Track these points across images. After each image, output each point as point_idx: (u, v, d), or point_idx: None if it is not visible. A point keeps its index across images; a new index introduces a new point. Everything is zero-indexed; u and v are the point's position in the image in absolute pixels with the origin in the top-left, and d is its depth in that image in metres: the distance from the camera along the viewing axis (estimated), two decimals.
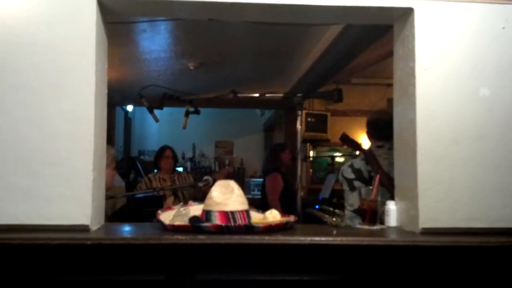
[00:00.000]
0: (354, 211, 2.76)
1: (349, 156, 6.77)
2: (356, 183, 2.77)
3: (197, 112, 3.21)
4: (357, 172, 2.78)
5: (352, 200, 2.79)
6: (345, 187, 2.82)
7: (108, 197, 2.26)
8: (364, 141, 3.03)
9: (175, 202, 3.77)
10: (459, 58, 1.89)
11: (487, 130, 1.86)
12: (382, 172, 2.64)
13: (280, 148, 4.69)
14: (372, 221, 1.98)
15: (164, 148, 4.47)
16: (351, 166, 2.84)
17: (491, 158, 1.86)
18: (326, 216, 2.80)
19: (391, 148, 2.75)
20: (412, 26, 1.90)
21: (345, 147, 6.92)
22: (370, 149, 2.83)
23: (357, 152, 3.09)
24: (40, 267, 1.63)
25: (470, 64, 1.88)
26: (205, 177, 3.08)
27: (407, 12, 1.93)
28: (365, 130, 3.02)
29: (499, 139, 1.87)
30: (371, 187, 2.02)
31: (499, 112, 1.87)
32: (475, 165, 1.85)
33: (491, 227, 1.83)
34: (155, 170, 4.53)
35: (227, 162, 9.06)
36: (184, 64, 5.27)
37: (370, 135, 2.92)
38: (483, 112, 1.87)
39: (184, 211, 1.85)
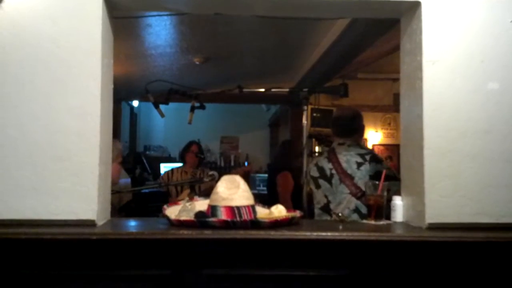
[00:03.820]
0: (321, 208, 2.79)
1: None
2: (321, 181, 2.80)
3: (202, 107, 3.20)
4: (320, 170, 2.81)
5: (319, 197, 2.81)
6: (312, 185, 2.86)
7: (114, 192, 2.27)
8: (371, 136, 3.05)
9: (191, 195, 3.82)
10: (466, 51, 1.87)
11: (495, 124, 1.85)
12: (342, 170, 2.68)
13: (290, 145, 4.66)
14: (378, 216, 1.97)
15: (190, 143, 4.64)
16: (316, 164, 2.88)
17: (499, 153, 1.84)
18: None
19: (350, 145, 2.78)
20: (420, 20, 1.89)
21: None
22: (332, 147, 2.86)
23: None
24: (46, 262, 1.63)
25: (478, 58, 1.87)
26: (211, 172, 3.09)
27: (414, 6, 1.92)
28: (370, 125, 3.04)
29: (507, 134, 1.85)
30: (377, 182, 2.01)
31: (507, 106, 1.86)
32: (482, 160, 1.84)
33: (498, 222, 1.82)
34: (181, 164, 4.68)
35: (232, 157, 9.07)
36: (189, 59, 5.28)
37: (333, 133, 2.95)
38: (491, 106, 1.86)
39: (189, 206, 1.85)
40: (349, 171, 2.69)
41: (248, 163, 8.59)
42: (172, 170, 4.57)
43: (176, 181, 4.21)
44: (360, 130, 2.92)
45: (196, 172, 4.46)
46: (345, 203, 2.67)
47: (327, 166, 2.79)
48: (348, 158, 2.72)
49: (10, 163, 1.74)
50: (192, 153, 4.53)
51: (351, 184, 2.66)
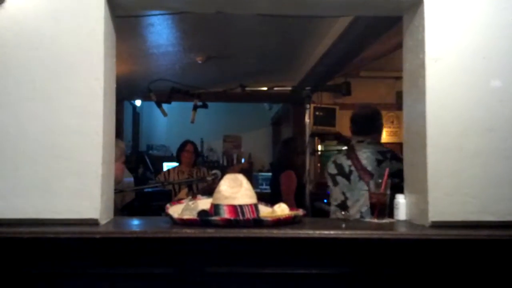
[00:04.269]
0: (338, 205, 2.79)
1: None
2: (338, 178, 2.80)
3: (205, 106, 3.20)
4: (339, 167, 2.81)
5: (336, 194, 2.81)
6: (329, 182, 2.86)
7: (117, 191, 2.27)
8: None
9: (189, 195, 3.83)
10: (469, 49, 1.86)
11: (498, 122, 1.84)
12: (361, 167, 2.67)
13: (293, 143, 4.64)
14: (381, 215, 1.97)
15: (185, 143, 4.62)
16: (334, 161, 2.88)
17: (502, 150, 1.84)
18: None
19: (370, 143, 2.78)
20: (422, 17, 1.88)
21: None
22: (351, 144, 2.85)
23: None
24: (49, 261, 1.64)
25: (481, 55, 1.86)
26: (213, 171, 3.09)
27: (417, 3, 1.91)
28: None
29: (510, 132, 1.84)
30: (380, 180, 2.01)
31: (510, 104, 1.85)
32: (485, 158, 1.83)
33: (501, 220, 1.81)
34: (177, 163, 4.67)
35: (235, 156, 9.07)
36: (192, 58, 5.27)
37: (352, 130, 2.95)
38: (494, 103, 1.85)
39: (192, 205, 1.86)
40: (369, 168, 2.68)
41: (245, 160, 8.59)
42: (169, 170, 4.58)
43: (178, 180, 4.21)
44: (379, 129, 2.91)
45: (193, 171, 4.46)
46: (363, 200, 2.66)
47: (346, 163, 2.78)
48: (368, 155, 2.72)
49: (13, 163, 1.74)
50: (187, 152, 4.53)
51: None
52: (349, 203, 2.73)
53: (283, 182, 4.36)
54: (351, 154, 2.79)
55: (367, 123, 2.86)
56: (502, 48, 1.87)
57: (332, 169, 2.86)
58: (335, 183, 2.82)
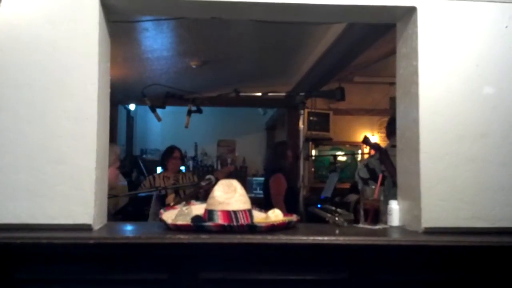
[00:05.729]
0: None
1: (351, 155, 6.79)
2: (371, 183, 2.78)
3: (199, 111, 3.20)
4: (371, 171, 2.78)
5: None
6: (360, 186, 2.82)
7: (111, 196, 2.26)
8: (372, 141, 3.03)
9: (176, 200, 3.81)
10: (462, 56, 1.88)
11: (490, 128, 1.86)
12: (395, 171, 2.65)
13: (283, 147, 4.64)
14: (375, 221, 1.97)
15: (172, 149, 4.55)
16: (367, 165, 2.84)
17: (494, 157, 1.85)
18: (329, 215, 2.80)
19: None
20: (415, 25, 1.90)
21: (347, 146, 6.94)
22: (385, 148, 2.83)
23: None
24: (42, 267, 1.63)
25: (474, 63, 1.88)
26: (208, 176, 3.08)
27: (410, 11, 1.93)
28: (367, 128, 3.05)
29: (503, 138, 1.86)
30: (373, 187, 2.02)
31: (502, 111, 1.87)
32: (478, 164, 1.84)
33: (494, 227, 1.82)
34: (161, 169, 4.57)
35: (229, 161, 9.06)
36: (186, 63, 5.28)
37: (387, 134, 2.93)
38: (486, 110, 1.87)
39: (186, 211, 1.85)
40: None
41: (234, 164, 8.56)
42: (154, 176, 4.53)
43: (174, 186, 4.19)
44: None
45: (178, 177, 4.44)
46: None
47: (380, 167, 2.76)
48: None
49: (6, 166, 1.73)
50: (175, 159, 4.49)
51: None
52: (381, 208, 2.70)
53: (272, 186, 4.36)
54: (384, 158, 2.75)
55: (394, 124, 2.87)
56: (495, 55, 1.89)
57: (364, 173, 2.81)
58: None
